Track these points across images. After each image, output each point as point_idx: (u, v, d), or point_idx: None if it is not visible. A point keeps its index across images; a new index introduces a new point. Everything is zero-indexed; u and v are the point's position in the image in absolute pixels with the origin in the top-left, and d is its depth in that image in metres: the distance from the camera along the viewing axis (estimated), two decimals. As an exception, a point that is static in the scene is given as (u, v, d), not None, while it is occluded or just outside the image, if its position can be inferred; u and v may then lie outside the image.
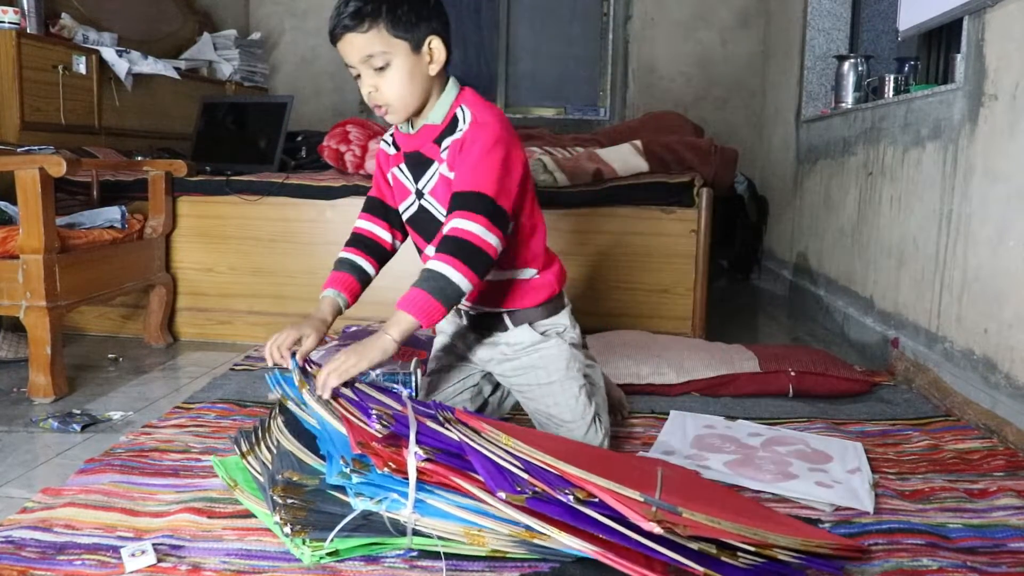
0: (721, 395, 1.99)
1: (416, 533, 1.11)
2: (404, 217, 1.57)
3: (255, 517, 1.24)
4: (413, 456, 1.10)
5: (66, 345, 2.20)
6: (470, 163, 1.40)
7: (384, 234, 1.61)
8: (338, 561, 1.12)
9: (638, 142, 2.60)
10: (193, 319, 2.57)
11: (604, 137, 3.06)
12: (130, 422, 1.75)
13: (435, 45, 1.41)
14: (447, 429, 1.21)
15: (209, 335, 2.55)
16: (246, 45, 4.19)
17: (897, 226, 2.39)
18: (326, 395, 1.29)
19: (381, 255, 1.61)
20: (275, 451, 1.30)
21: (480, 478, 1.10)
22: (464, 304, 1.59)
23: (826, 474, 1.45)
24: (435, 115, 1.47)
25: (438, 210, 1.49)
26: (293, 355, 1.39)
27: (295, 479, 1.17)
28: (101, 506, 1.28)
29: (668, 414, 1.80)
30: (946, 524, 1.27)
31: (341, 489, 1.13)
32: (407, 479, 1.10)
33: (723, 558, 1.03)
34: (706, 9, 4.56)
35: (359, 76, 1.42)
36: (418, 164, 1.51)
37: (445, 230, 1.37)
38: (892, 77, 2.78)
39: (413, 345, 2.00)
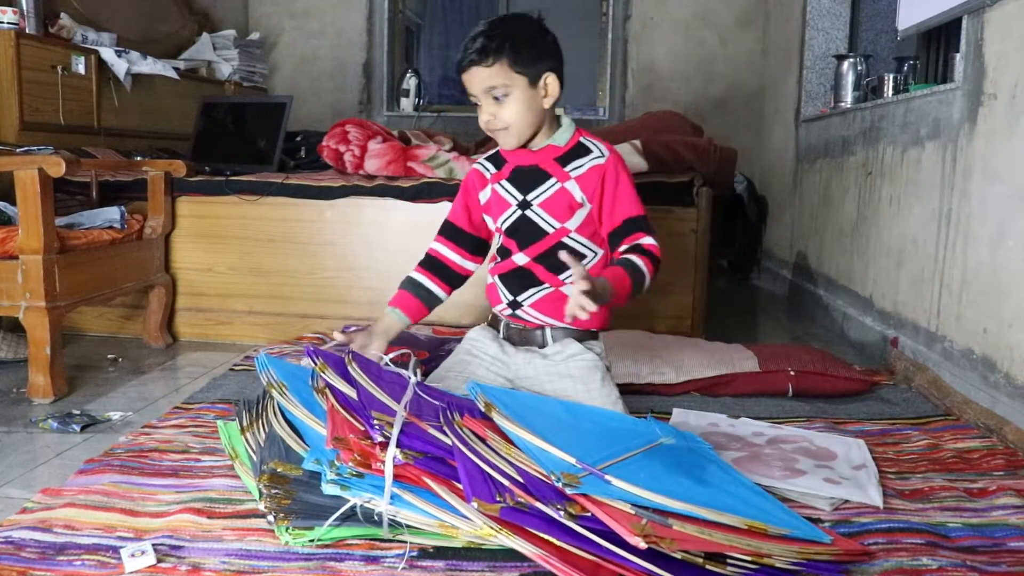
0: (720, 395, 1.99)
1: (393, 524, 1.15)
2: (503, 227, 1.68)
3: (255, 517, 1.24)
4: (391, 460, 1.15)
5: (65, 345, 2.20)
6: (629, 193, 1.63)
7: (457, 258, 1.74)
8: (338, 561, 1.12)
9: (637, 142, 2.60)
10: (192, 319, 2.57)
11: (603, 136, 3.06)
12: (130, 422, 1.75)
13: (550, 81, 1.58)
14: (444, 433, 1.22)
15: (208, 335, 2.55)
16: (245, 45, 4.19)
17: (896, 225, 2.39)
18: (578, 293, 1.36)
19: (453, 279, 1.74)
20: (267, 432, 1.35)
21: (459, 486, 1.13)
22: (529, 312, 1.67)
23: (832, 471, 1.45)
24: (558, 139, 1.64)
25: (546, 220, 1.64)
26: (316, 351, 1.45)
27: (279, 470, 1.21)
28: (101, 506, 1.28)
29: (667, 414, 1.80)
30: (946, 523, 1.27)
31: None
32: (377, 475, 1.14)
33: (708, 567, 1.03)
34: (705, 9, 4.55)
35: (479, 104, 1.58)
36: (531, 177, 1.64)
37: (641, 243, 1.57)
38: (891, 76, 2.78)
39: (413, 345, 2.00)
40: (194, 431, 1.64)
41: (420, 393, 1.39)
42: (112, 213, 2.25)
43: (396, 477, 1.14)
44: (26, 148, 2.27)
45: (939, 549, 1.17)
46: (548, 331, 1.67)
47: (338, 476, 1.14)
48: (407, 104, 4.79)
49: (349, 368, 1.39)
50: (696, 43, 4.58)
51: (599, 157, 1.65)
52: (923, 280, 2.17)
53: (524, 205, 1.65)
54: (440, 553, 1.14)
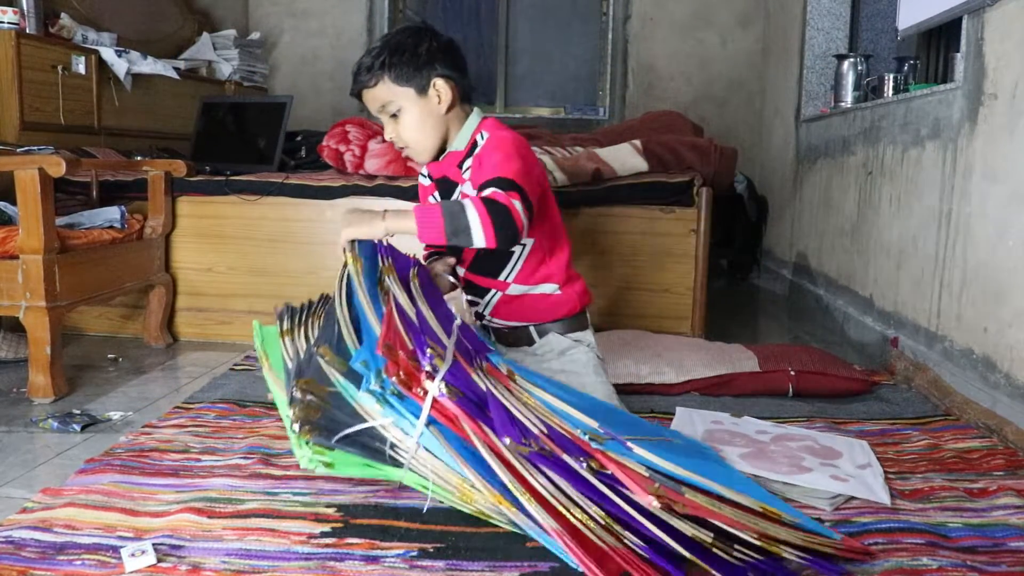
0: (721, 395, 1.99)
1: (412, 470, 1.13)
2: None
3: (255, 517, 1.24)
4: (434, 392, 1.11)
5: (66, 345, 2.20)
6: (494, 161, 1.48)
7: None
8: (338, 560, 1.12)
9: (637, 142, 2.60)
10: (193, 319, 2.57)
11: (603, 136, 3.06)
12: (130, 422, 1.75)
13: (440, 86, 1.53)
14: (478, 377, 1.23)
15: (209, 335, 2.55)
16: (245, 45, 4.19)
17: (897, 225, 2.39)
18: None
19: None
20: (312, 339, 1.30)
21: (488, 432, 1.12)
22: (493, 320, 1.67)
23: (838, 469, 1.45)
24: (458, 143, 1.59)
25: None
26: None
27: (326, 358, 1.16)
28: (101, 506, 1.28)
29: (668, 414, 1.80)
30: (946, 523, 1.27)
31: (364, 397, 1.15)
32: (415, 400, 1.12)
33: (715, 550, 1.04)
34: (705, 8, 4.56)
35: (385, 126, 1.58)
36: (447, 189, 1.63)
37: (483, 193, 1.41)
38: (891, 76, 2.78)
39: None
40: (194, 431, 1.64)
41: (461, 335, 1.38)
42: (112, 213, 2.26)
43: (432, 412, 1.12)
44: (26, 148, 2.27)
45: (939, 549, 1.17)
46: (532, 328, 1.66)
47: (380, 389, 1.12)
48: (407, 104, 4.78)
49: (411, 284, 1.37)
50: (696, 43, 4.58)
51: (478, 149, 1.58)
52: (923, 280, 2.17)
53: None
54: (440, 553, 1.14)
